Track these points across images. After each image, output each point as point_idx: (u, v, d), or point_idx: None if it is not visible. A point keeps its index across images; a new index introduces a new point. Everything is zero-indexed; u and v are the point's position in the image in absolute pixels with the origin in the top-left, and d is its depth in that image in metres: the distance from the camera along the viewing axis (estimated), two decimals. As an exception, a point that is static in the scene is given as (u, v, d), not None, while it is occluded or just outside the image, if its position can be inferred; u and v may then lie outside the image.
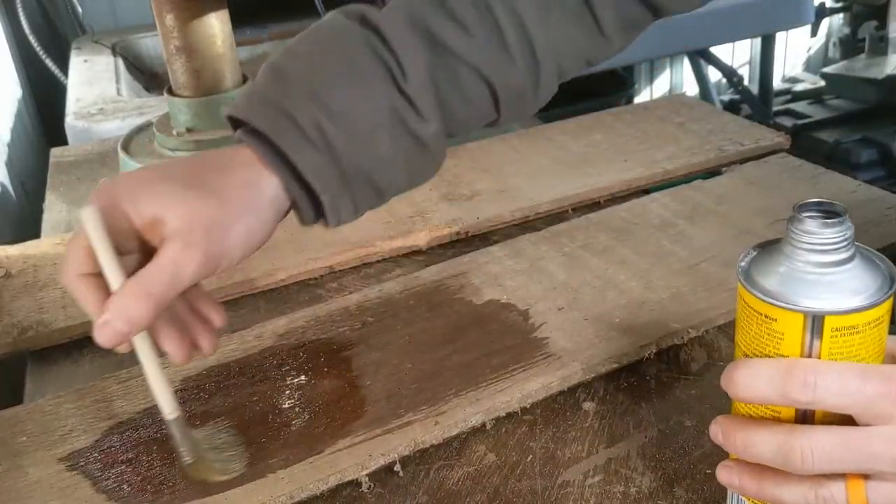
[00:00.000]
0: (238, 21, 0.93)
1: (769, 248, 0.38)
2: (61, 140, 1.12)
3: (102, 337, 0.40)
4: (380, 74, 0.45)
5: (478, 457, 0.50)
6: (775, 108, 2.01)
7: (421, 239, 0.74)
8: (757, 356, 0.37)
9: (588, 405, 0.53)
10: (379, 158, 0.45)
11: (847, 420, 0.35)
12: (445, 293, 0.64)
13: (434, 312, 0.62)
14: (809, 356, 0.35)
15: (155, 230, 0.42)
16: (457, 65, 0.47)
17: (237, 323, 0.66)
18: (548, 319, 0.59)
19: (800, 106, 2.00)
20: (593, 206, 0.78)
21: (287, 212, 0.46)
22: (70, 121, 1.12)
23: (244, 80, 0.93)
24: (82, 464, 0.50)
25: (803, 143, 1.82)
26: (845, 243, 0.36)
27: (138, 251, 0.43)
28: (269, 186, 0.44)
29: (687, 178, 0.82)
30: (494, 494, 0.47)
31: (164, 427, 0.51)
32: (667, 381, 0.55)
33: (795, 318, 0.35)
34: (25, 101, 1.42)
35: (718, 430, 0.38)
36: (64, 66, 1.40)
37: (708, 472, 0.47)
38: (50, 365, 0.63)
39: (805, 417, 0.36)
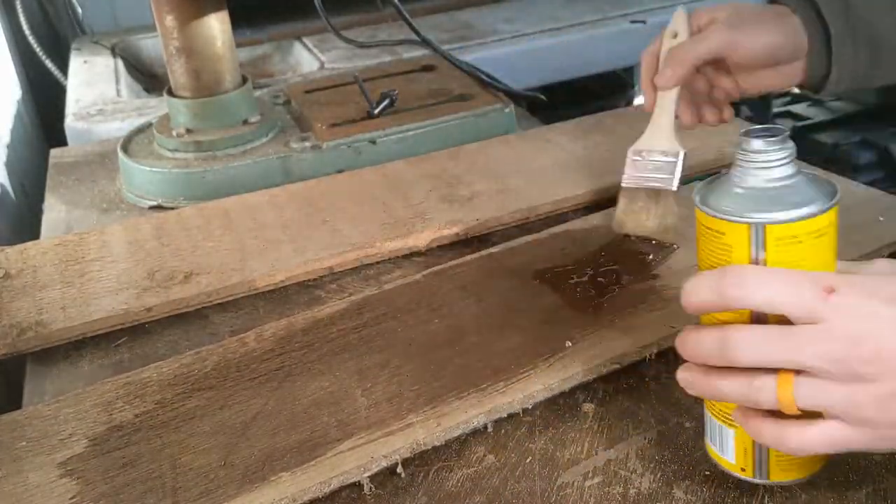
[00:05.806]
0: (238, 22, 0.93)
1: (722, 176, 0.42)
2: (61, 141, 1.11)
3: (660, 80, 0.64)
4: None
5: (477, 458, 0.50)
6: (775, 110, 2.01)
7: (421, 240, 0.74)
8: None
9: (587, 406, 0.53)
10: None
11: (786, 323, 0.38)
12: (446, 294, 0.64)
13: (435, 314, 0.62)
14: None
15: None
16: None
17: (236, 325, 0.66)
18: (548, 320, 0.59)
19: (799, 108, 2.00)
20: (593, 207, 0.78)
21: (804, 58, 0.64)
22: (70, 122, 1.12)
23: (244, 80, 0.94)
24: (82, 469, 0.50)
25: (803, 144, 1.81)
26: (786, 160, 0.39)
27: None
28: (791, 22, 0.63)
29: (686, 179, 0.82)
30: (493, 496, 0.47)
31: (164, 431, 0.52)
32: (666, 382, 0.55)
33: (741, 229, 0.38)
34: (25, 101, 1.42)
35: (678, 339, 0.42)
36: (64, 66, 1.40)
37: (707, 473, 0.47)
38: (49, 366, 0.63)
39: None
